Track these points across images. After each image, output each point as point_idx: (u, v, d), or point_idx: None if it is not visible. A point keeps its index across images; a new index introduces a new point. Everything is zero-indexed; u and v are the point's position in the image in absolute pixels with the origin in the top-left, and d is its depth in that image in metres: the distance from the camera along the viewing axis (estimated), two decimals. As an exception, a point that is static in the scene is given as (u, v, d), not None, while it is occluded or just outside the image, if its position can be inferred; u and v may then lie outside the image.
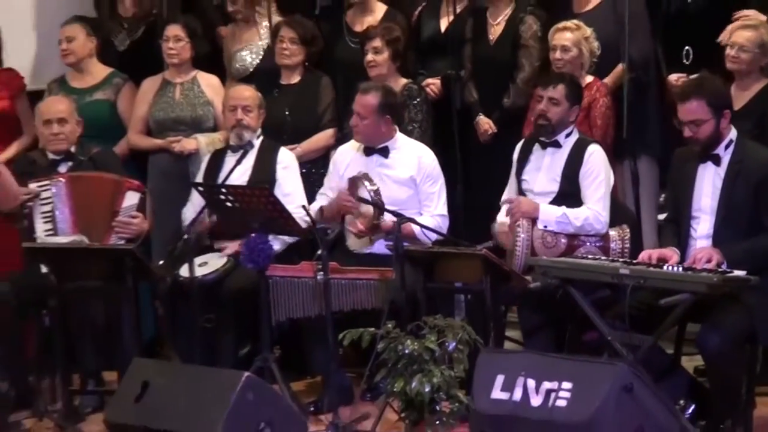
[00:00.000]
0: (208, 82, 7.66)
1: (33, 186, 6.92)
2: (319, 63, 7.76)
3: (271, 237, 6.68)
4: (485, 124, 7.26)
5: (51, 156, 7.09)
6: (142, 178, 7.51)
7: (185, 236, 6.91)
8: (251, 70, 7.75)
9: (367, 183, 6.76)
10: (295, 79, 7.51)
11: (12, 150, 7.66)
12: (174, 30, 7.63)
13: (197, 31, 7.76)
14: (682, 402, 5.99)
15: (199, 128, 7.57)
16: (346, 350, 6.69)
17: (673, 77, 6.84)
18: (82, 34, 7.78)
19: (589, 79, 6.90)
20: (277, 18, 7.81)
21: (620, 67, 7.00)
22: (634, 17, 7.08)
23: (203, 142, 7.44)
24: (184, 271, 6.79)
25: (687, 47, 6.81)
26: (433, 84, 7.42)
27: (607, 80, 7.01)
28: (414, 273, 6.51)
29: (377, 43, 7.22)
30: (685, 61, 6.80)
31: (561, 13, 7.26)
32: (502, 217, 6.75)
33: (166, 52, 7.67)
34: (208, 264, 6.95)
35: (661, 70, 7.21)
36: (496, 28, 7.39)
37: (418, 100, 7.29)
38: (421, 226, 6.67)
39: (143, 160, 7.79)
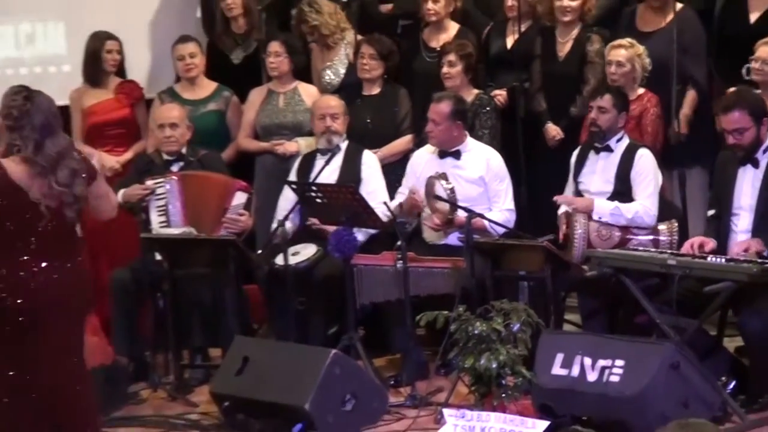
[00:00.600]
0: (308, 92, 7.63)
1: (149, 183, 6.98)
2: (398, 76, 7.72)
3: (355, 229, 6.65)
4: (553, 130, 7.25)
5: (165, 157, 7.13)
6: (244, 178, 7.47)
7: (279, 229, 6.87)
8: (336, 86, 7.72)
9: (443, 182, 6.72)
10: (376, 90, 7.52)
11: (131, 152, 7.70)
12: (274, 46, 7.64)
13: (296, 47, 7.75)
14: (723, 378, 5.99)
15: (299, 132, 7.57)
16: (423, 330, 6.70)
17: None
18: (200, 51, 7.83)
19: (641, 91, 6.87)
20: (357, 38, 7.77)
21: (692, 94, 7.02)
22: (694, 39, 7.09)
23: (303, 145, 7.45)
24: (279, 259, 6.77)
25: (747, 65, 6.72)
26: (500, 94, 7.39)
27: (686, 109, 6.99)
28: (483, 262, 6.51)
29: (452, 57, 7.19)
30: (745, 76, 6.74)
31: (624, 32, 7.19)
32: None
33: (268, 66, 7.70)
34: (300, 253, 6.92)
35: (711, 86, 7.17)
36: (564, 46, 7.37)
37: (487, 108, 7.26)
38: (490, 220, 6.66)
39: (247, 162, 7.78)
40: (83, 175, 5.14)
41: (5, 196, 4.99)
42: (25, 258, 5.05)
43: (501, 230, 6.74)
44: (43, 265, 5.06)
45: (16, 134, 5.03)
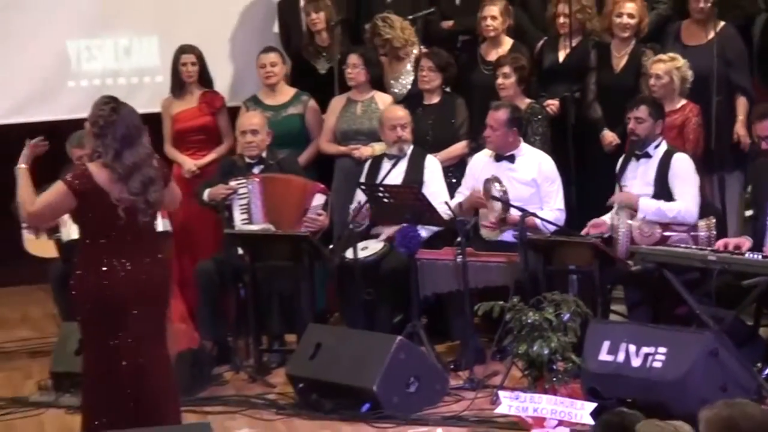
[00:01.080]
0: (383, 101, 7.63)
1: (233, 183, 7.04)
2: (457, 86, 7.69)
3: (419, 227, 6.69)
4: (610, 136, 7.22)
5: (247, 160, 7.17)
6: (323, 178, 7.55)
7: (350, 226, 6.96)
8: (404, 95, 7.75)
9: (497, 184, 6.72)
10: (435, 100, 7.51)
11: (211, 156, 7.75)
12: (353, 59, 7.65)
13: (372, 59, 7.75)
14: (759, 365, 5.97)
15: (375, 138, 7.52)
16: (479, 320, 6.67)
17: None
18: (280, 60, 7.85)
19: (683, 101, 6.86)
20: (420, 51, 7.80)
21: (742, 100, 7.03)
22: (737, 54, 7.14)
23: (377, 150, 7.45)
24: (349, 254, 6.82)
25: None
26: (552, 104, 7.39)
27: (740, 115, 6.99)
28: (535, 257, 6.53)
29: (506, 69, 7.19)
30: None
31: (670, 45, 7.19)
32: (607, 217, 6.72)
33: (346, 76, 7.69)
34: (368, 248, 6.96)
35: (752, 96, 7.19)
36: (620, 60, 7.35)
37: (540, 116, 7.25)
38: (542, 219, 6.67)
39: (327, 163, 7.80)
40: (160, 182, 5.19)
41: (90, 196, 5.08)
42: (111, 254, 5.14)
43: (552, 228, 6.72)
44: (123, 260, 5.14)
45: (100, 141, 5.09)
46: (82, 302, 5.30)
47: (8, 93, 8.43)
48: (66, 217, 6.20)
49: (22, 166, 5.38)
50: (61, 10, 8.40)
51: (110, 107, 5.20)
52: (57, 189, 5.21)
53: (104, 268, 5.20)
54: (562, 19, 7.48)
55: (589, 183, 7.26)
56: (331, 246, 7.12)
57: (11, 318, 8.43)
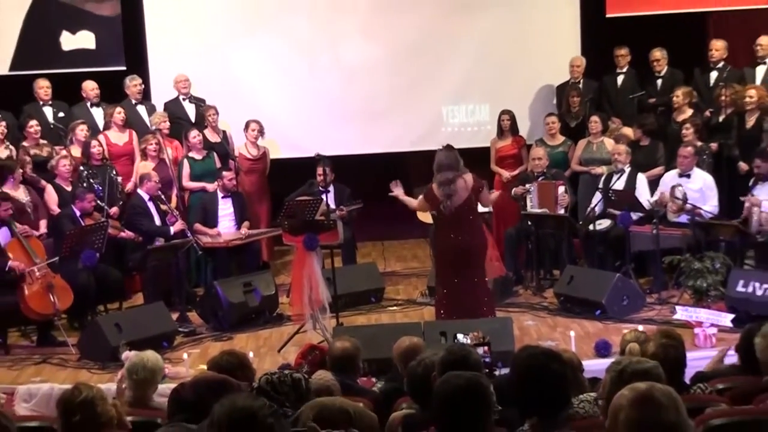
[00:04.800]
0: (609, 143, 7.25)
1: (526, 186, 6.85)
2: (657, 135, 7.18)
3: (632, 213, 6.48)
4: (744, 166, 6.91)
5: (535, 173, 6.97)
6: (574, 183, 7.20)
7: (591, 211, 6.67)
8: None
9: (678, 188, 6.63)
10: (645, 143, 7.05)
11: (516, 171, 7.47)
12: (594, 118, 7.37)
13: (605, 119, 7.42)
14: None
15: (605, 163, 7.23)
16: (666, 266, 6.43)
17: None
18: (557, 120, 7.53)
19: None
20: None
21: None
22: None
23: (605, 170, 7.12)
24: (591, 227, 6.63)
25: None
26: (713, 146, 7.13)
27: None
28: (699, 231, 6.47)
29: (689, 125, 6.98)
30: None
31: None
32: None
33: (590, 129, 7.39)
34: (602, 224, 6.71)
35: None
36: (750, 122, 7.07)
37: (705, 153, 7.05)
38: (704, 210, 6.54)
39: (576, 176, 7.41)
40: (469, 191, 5.23)
41: (434, 200, 5.38)
42: (450, 230, 5.40)
43: (709, 215, 6.57)
44: (450, 233, 5.35)
45: (437, 174, 5.26)
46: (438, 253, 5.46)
47: (396, 132, 8.04)
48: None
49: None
50: (438, 84, 8.10)
51: (446, 147, 5.37)
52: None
53: (447, 237, 5.35)
54: (722, 99, 7.21)
55: (733, 193, 7.00)
56: (580, 222, 6.91)
57: (408, 255, 8.07)
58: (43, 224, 6.41)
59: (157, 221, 6.56)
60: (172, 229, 6.53)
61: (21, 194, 6.33)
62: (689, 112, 7.30)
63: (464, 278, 5.48)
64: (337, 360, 3.81)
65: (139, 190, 6.66)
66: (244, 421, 1.49)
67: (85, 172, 6.68)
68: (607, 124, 7.49)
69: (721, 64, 7.49)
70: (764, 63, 7.27)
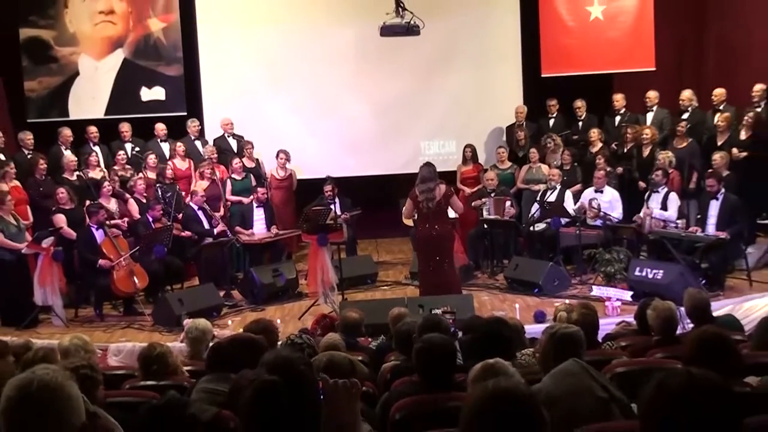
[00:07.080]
0: (544, 167, 6.91)
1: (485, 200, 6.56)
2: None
3: (562, 218, 6.24)
4: (642, 184, 6.50)
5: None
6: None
7: (530, 217, 6.44)
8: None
9: (595, 200, 6.32)
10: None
11: (475, 188, 6.96)
12: (533, 150, 7.03)
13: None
14: (703, 281, 5.40)
15: (543, 183, 6.83)
16: (586, 257, 6.20)
17: None
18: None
19: None
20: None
21: None
22: None
23: (542, 187, 6.75)
24: (531, 228, 6.38)
25: None
26: (618, 169, 6.76)
27: None
28: (608, 232, 6.16)
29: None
30: None
31: None
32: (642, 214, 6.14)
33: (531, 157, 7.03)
34: (540, 226, 6.42)
35: None
36: (645, 152, 6.79)
37: (614, 175, 6.67)
38: (612, 216, 6.26)
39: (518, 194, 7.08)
40: (441, 196, 4.97)
41: (415, 199, 5.08)
42: (427, 222, 5.14)
43: (616, 219, 6.28)
44: (428, 225, 5.07)
45: (420, 183, 5.00)
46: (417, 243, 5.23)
47: (386, 159, 7.79)
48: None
49: None
50: (418, 125, 7.93)
51: (426, 163, 5.24)
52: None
53: (421, 228, 5.09)
54: (627, 135, 7.00)
55: (632, 203, 6.46)
56: (523, 225, 6.75)
57: (395, 249, 7.66)
58: (125, 226, 6.53)
59: (206, 225, 6.61)
60: (215, 231, 6.57)
61: (112, 205, 6.54)
62: (600, 145, 7.23)
63: (438, 263, 5.33)
64: (349, 325, 3.87)
65: (190, 202, 6.71)
66: (284, 366, 1.52)
67: (160, 188, 6.81)
68: (543, 153, 7.33)
69: (622, 111, 7.43)
70: (652, 110, 7.24)
